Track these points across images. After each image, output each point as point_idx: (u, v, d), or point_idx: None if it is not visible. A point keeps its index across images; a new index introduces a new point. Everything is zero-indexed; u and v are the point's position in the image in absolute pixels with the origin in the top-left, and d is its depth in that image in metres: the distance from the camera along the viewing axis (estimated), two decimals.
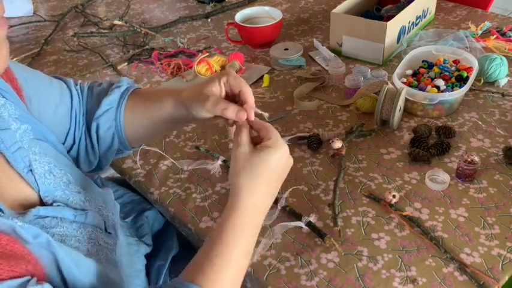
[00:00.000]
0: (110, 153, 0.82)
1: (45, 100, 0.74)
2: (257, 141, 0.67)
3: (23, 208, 0.59)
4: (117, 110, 0.79)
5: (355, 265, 0.78)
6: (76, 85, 0.82)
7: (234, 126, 0.70)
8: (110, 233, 0.71)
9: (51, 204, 0.63)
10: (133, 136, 0.81)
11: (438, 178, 0.91)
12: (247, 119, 0.67)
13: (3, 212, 0.53)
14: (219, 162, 1.00)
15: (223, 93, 0.71)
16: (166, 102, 0.76)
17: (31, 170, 0.62)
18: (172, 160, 1.03)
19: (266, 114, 0.73)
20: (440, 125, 1.03)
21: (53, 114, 0.75)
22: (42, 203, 0.63)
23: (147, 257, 0.89)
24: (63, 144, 0.78)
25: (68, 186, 0.67)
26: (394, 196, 0.85)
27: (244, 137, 0.65)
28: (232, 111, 0.67)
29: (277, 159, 0.65)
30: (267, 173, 0.65)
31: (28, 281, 0.49)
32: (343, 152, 0.97)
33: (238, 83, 0.69)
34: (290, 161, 0.68)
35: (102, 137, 0.79)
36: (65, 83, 0.80)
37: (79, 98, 0.80)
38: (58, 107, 0.76)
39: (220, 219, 0.65)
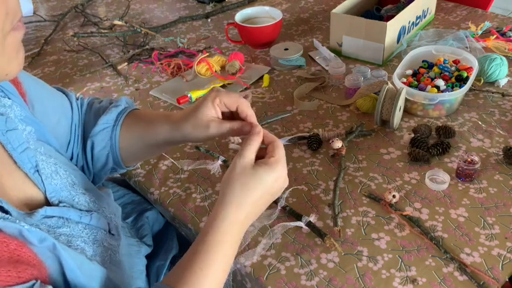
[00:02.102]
0: (104, 172, 0.81)
1: (48, 110, 0.73)
2: (262, 154, 0.66)
3: (29, 208, 0.60)
4: (113, 129, 0.78)
5: (355, 265, 0.78)
6: (77, 99, 0.81)
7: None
8: (113, 234, 0.71)
9: (57, 205, 0.63)
10: (128, 156, 0.80)
11: (438, 178, 0.91)
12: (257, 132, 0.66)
13: (11, 215, 0.53)
14: (219, 162, 1.00)
15: (220, 114, 0.70)
16: (161, 128, 0.75)
17: (38, 171, 0.62)
18: (172, 160, 1.03)
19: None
20: (440, 125, 1.03)
21: (56, 125, 0.74)
22: (47, 203, 0.63)
23: (147, 257, 0.90)
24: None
25: (73, 187, 0.67)
26: (394, 196, 0.86)
27: (250, 148, 0.64)
28: (238, 129, 0.68)
29: (274, 180, 0.64)
30: (259, 191, 0.63)
31: (33, 285, 0.50)
32: (343, 152, 0.97)
33: (233, 100, 0.69)
34: (286, 183, 0.67)
35: (97, 156, 0.79)
36: (66, 95, 0.79)
37: (79, 112, 0.80)
38: (61, 118, 0.76)
39: (205, 228, 0.64)
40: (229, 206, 0.63)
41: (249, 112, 0.69)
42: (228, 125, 0.68)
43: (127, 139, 0.79)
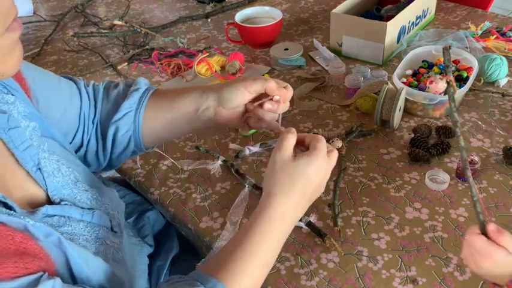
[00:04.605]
0: (124, 155, 0.82)
1: (54, 102, 0.73)
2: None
3: (30, 207, 0.60)
4: (136, 112, 0.79)
5: (355, 265, 0.78)
6: (88, 86, 0.81)
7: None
8: (115, 231, 0.71)
9: (58, 203, 0.63)
10: (150, 136, 0.81)
11: (438, 178, 0.91)
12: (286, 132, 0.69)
13: (15, 211, 0.53)
14: (219, 162, 1.00)
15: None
16: (192, 91, 0.77)
17: (39, 169, 0.62)
18: (172, 160, 1.03)
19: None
20: (440, 125, 1.03)
21: (62, 116, 0.74)
22: (49, 201, 0.63)
23: (148, 257, 0.89)
24: (70, 144, 0.77)
25: (75, 185, 0.67)
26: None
27: (288, 144, 0.66)
28: (274, 83, 0.70)
29: (315, 172, 0.65)
30: (303, 182, 0.65)
31: (41, 276, 0.50)
32: (343, 152, 0.97)
33: (283, 85, 0.73)
34: (328, 177, 0.69)
35: (119, 140, 0.79)
36: (75, 83, 0.80)
37: (89, 100, 0.80)
38: (67, 108, 0.76)
39: (250, 221, 0.65)
40: (275, 197, 0.64)
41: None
42: (264, 78, 0.72)
43: (151, 116, 0.79)
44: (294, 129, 0.68)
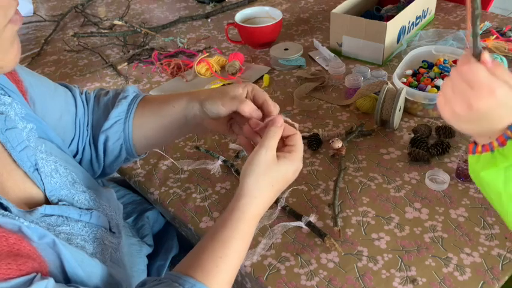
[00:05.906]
0: (117, 163, 0.82)
1: (50, 107, 0.74)
2: (279, 146, 0.67)
3: (28, 207, 0.60)
4: (125, 120, 0.79)
5: (355, 265, 0.78)
6: (82, 94, 0.81)
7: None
8: (114, 232, 0.71)
9: (56, 203, 0.63)
10: (141, 143, 0.81)
11: (438, 178, 0.91)
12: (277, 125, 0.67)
13: (10, 212, 0.53)
14: (219, 162, 1.00)
15: (244, 96, 0.72)
16: (179, 99, 0.77)
17: (37, 169, 0.63)
18: (172, 160, 1.03)
19: (296, 125, 0.71)
20: (440, 125, 1.03)
21: (58, 122, 0.74)
22: (47, 201, 0.63)
23: (148, 257, 0.90)
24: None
25: (73, 185, 0.67)
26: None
27: (273, 142, 0.65)
28: (249, 107, 0.68)
29: (293, 172, 0.67)
30: (282, 184, 0.67)
31: (34, 277, 0.50)
32: (343, 152, 0.97)
33: (263, 94, 0.71)
34: (297, 173, 0.69)
35: (111, 148, 0.79)
36: (70, 91, 0.80)
37: (84, 107, 0.80)
38: (63, 115, 0.76)
39: (224, 217, 0.65)
40: (254, 200, 0.65)
41: (272, 110, 0.70)
42: (240, 100, 0.69)
43: (141, 124, 0.79)
44: (281, 121, 0.67)
